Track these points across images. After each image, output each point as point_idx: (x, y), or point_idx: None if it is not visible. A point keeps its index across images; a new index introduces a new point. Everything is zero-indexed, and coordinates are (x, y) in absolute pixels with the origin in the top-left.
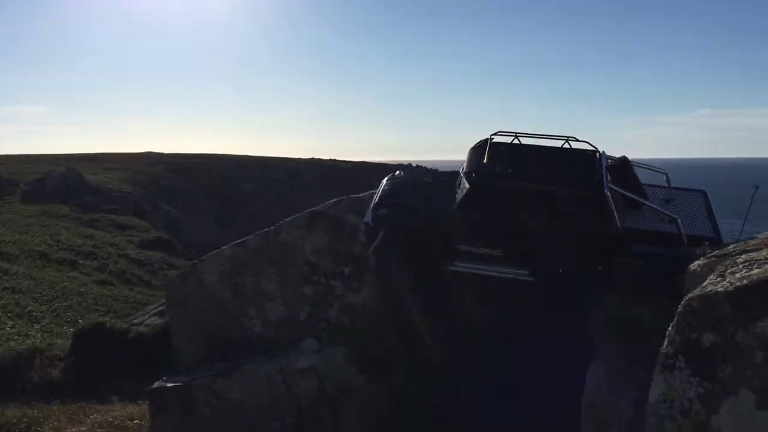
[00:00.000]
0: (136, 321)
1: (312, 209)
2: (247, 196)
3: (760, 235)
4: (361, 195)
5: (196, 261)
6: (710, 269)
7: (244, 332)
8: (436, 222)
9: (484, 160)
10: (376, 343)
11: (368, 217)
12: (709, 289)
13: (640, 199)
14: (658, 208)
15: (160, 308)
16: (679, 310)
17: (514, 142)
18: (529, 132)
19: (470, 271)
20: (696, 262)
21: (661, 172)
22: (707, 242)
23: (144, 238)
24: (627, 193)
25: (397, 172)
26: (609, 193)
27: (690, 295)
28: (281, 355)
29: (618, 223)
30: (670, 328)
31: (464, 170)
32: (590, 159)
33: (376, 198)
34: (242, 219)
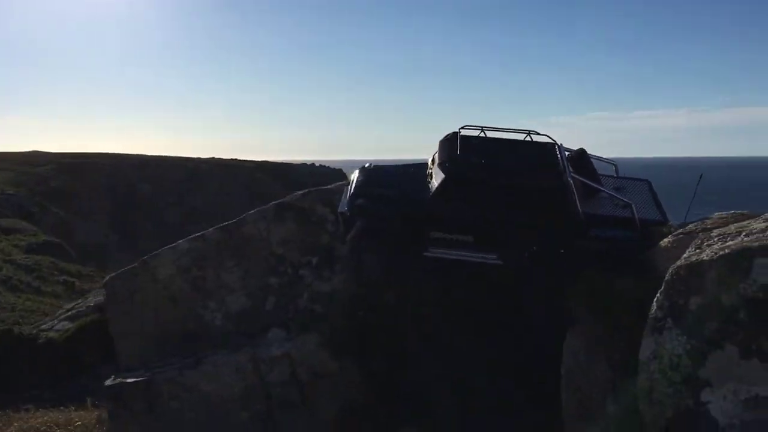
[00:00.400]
0: (44, 327)
1: (279, 201)
2: (145, 197)
3: (714, 215)
4: (330, 186)
5: (146, 257)
6: (680, 244)
7: (203, 325)
8: (412, 211)
9: (457, 152)
10: (349, 329)
11: (344, 207)
12: (693, 259)
13: (597, 186)
14: (614, 194)
15: (70, 313)
16: (666, 278)
17: (480, 135)
18: (494, 126)
19: (443, 256)
20: (665, 240)
21: (611, 164)
22: (657, 225)
23: (31, 242)
24: (586, 181)
25: (367, 164)
26: (571, 182)
27: (676, 265)
28: (250, 344)
29: (579, 209)
30: (658, 295)
31: (438, 161)
32: (551, 151)
33: (352, 188)
34: (139, 221)
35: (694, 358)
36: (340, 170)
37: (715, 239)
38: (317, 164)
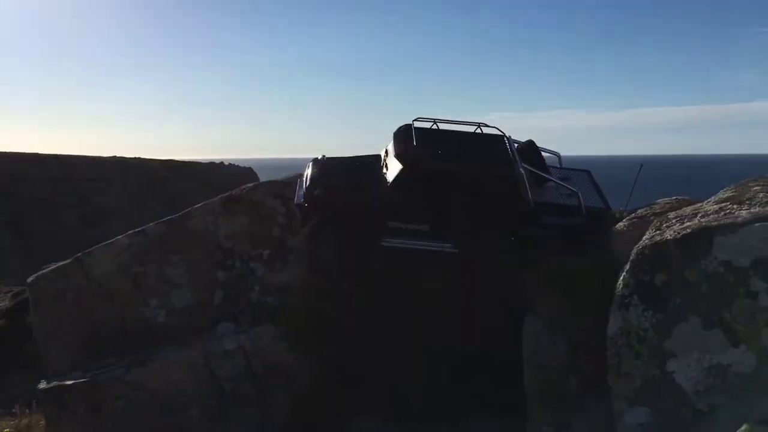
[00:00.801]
0: None
1: (227, 194)
2: (43, 196)
3: (659, 201)
4: (281, 179)
5: (79, 254)
6: (635, 227)
7: (144, 323)
8: (369, 201)
9: (413, 143)
10: (306, 319)
11: (300, 199)
12: (657, 238)
13: (546, 176)
14: (562, 183)
15: None
16: (632, 258)
17: (433, 127)
18: (445, 119)
19: (400, 246)
20: (620, 224)
21: (554, 155)
22: (600, 212)
23: None
24: (536, 171)
25: (320, 156)
26: (522, 171)
27: (640, 245)
28: (199, 339)
29: (530, 197)
30: (624, 274)
31: (394, 152)
32: (501, 142)
33: (307, 180)
34: (36, 221)
35: (660, 331)
36: (250, 169)
37: (673, 221)
38: (226, 163)
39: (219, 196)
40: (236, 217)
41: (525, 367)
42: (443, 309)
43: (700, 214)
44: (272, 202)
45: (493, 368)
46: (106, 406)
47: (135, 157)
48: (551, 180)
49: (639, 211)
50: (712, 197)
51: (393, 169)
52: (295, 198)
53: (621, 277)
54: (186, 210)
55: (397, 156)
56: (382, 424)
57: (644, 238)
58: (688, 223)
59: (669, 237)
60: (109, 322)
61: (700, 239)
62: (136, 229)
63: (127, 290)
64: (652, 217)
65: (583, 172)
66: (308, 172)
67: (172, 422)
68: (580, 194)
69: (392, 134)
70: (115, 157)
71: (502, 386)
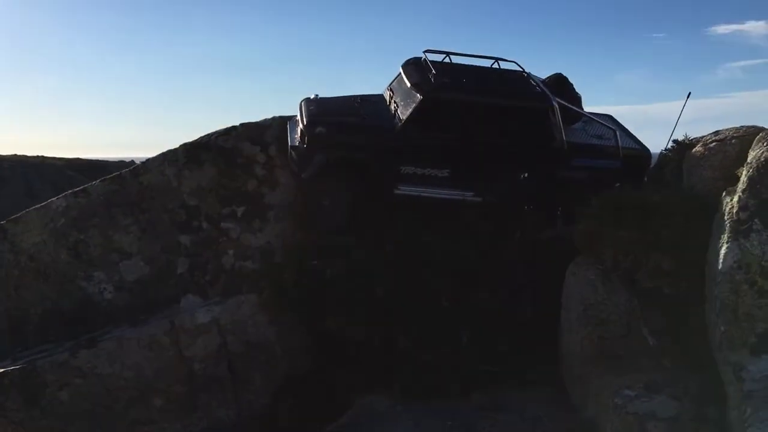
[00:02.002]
0: None
1: (193, 140)
2: None
3: (723, 130)
4: (258, 121)
5: (2, 222)
6: (719, 151)
7: (87, 302)
8: (381, 140)
9: (432, 73)
10: (293, 287)
11: (295, 141)
12: None
13: (581, 111)
14: (600, 120)
15: None
16: (749, 174)
17: (446, 60)
18: (459, 52)
19: (415, 194)
20: (697, 148)
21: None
22: (636, 154)
23: None
24: (570, 106)
25: (312, 96)
26: (556, 105)
27: (762, 158)
28: (161, 314)
29: (563, 136)
30: (739, 194)
31: (410, 83)
32: (524, 76)
33: (305, 118)
34: None
35: None
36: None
37: None
38: (137, 161)
39: (182, 144)
40: (203, 168)
41: (574, 324)
42: (463, 266)
43: None
44: (249, 149)
45: (524, 329)
46: (46, 398)
47: (37, 156)
48: (586, 116)
49: (709, 136)
50: None
51: (408, 102)
52: (289, 140)
53: (735, 199)
54: (140, 162)
55: (414, 86)
56: (391, 404)
57: (756, 152)
58: None
59: None
60: (42, 302)
61: None
62: (75, 189)
63: (65, 263)
64: (733, 141)
65: (605, 116)
66: (303, 110)
67: (129, 414)
68: (618, 133)
69: (400, 67)
70: (15, 155)
71: (533, 350)
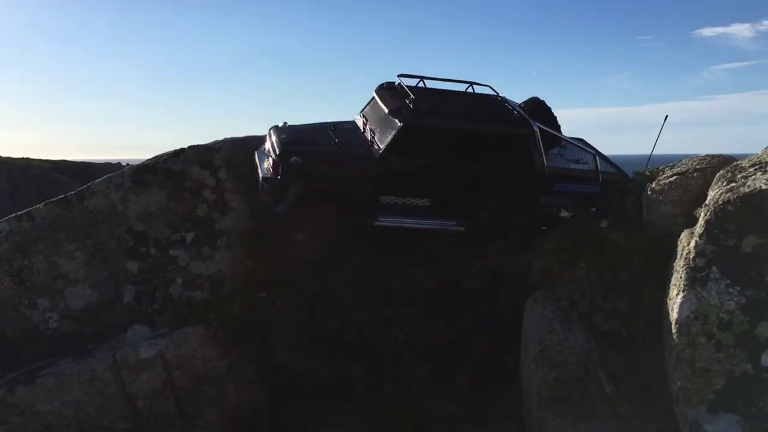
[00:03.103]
0: None
1: (140, 163)
2: None
3: (684, 160)
4: (207, 144)
5: None
6: (680, 186)
7: (30, 330)
8: (359, 170)
9: (410, 98)
10: (245, 318)
11: (266, 172)
12: (744, 190)
13: (561, 136)
14: (580, 145)
15: None
16: (706, 218)
17: (420, 85)
18: (432, 76)
19: (396, 225)
20: (656, 182)
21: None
22: (613, 179)
23: None
24: (550, 131)
25: (281, 124)
26: (537, 130)
27: (721, 200)
28: (105, 347)
29: (545, 162)
30: (696, 239)
31: (388, 110)
32: (501, 101)
33: (276, 147)
34: None
35: (751, 312)
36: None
37: (752, 170)
38: (123, 163)
39: (128, 166)
40: (151, 192)
41: (532, 365)
42: (421, 297)
43: None
44: (199, 173)
45: (485, 366)
46: None
47: (23, 158)
48: (564, 140)
49: (673, 168)
50: None
51: (386, 129)
52: (260, 171)
53: (692, 245)
54: (84, 185)
55: (393, 112)
56: None
57: (715, 192)
58: None
59: (764, 186)
60: None
61: None
62: (19, 213)
63: (8, 289)
64: (695, 174)
65: (578, 140)
66: (274, 139)
67: None
68: (597, 157)
69: (374, 92)
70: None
71: (494, 386)
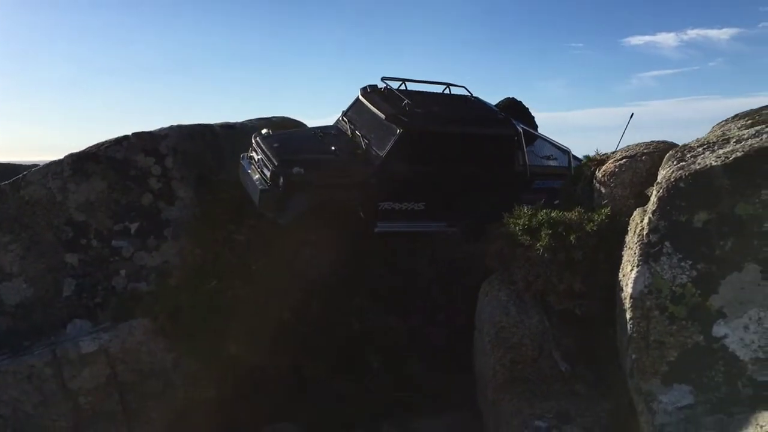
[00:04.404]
0: None
1: (80, 151)
2: None
3: (632, 145)
4: (152, 131)
5: None
6: (629, 168)
7: None
8: (362, 177)
9: (405, 103)
10: (194, 309)
11: (262, 184)
12: (695, 167)
13: (540, 135)
14: (554, 142)
15: None
16: (659, 195)
17: (403, 87)
18: (413, 78)
19: (395, 230)
20: (608, 164)
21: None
22: None
23: None
24: (530, 131)
25: (264, 131)
26: (521, 131)
27: (672, 176)
28: (44, 342)
29: (527, 160)
30: (648, 216)
31: (384, 115)
32: (482, 103)
33: (273, 157)
34: None
35: (703, 285)
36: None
37: (700, 149)
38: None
39: (68, 154)
40: (92, 180)
41: (485, 348)
42: (374, 285)
43: (733, 140)
44: (143, 161)
45: (440, 354)
46: None
47: None
48: (542, 139)
49: (618, 152)
50: (716, 129)
51: (383, 135)
52: (253, 184)
53: (645, 221)
54: (22, 173)
55: (391, 118)
56: None
57: (666, 171)
58: (729, 148)
59: (713, 163)
60: None
61: (758, 163)
62: None
63: None
64: (644, 157)
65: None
66: (266, 148)
67: None
68: (570, 153)
69: (359, 95)
70: None
71: (448, 373)
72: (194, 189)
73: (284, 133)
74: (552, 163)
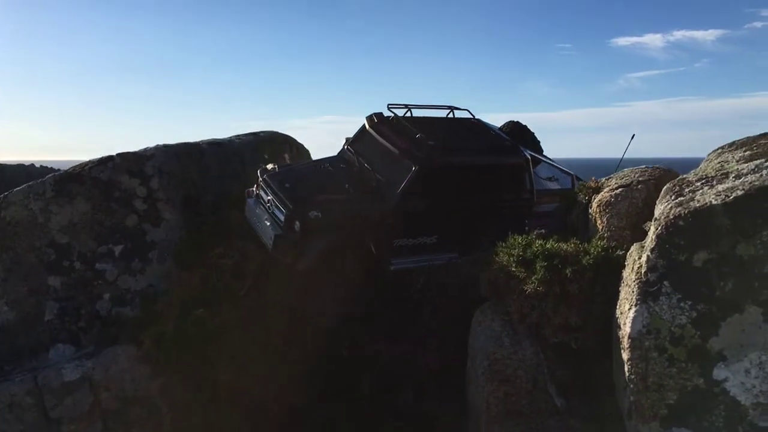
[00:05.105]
0: None
1: (63, 171)
2: None
3: (626, 170)
4: (137, 151)
5: None
6: (625, 198)
7: None
8: (379, 217)
9: (417, 135)
10: (181, 334)
11: (275, 229)
12: (694, 205)
13: (545, 159)
14: (558, 165)
15: None
16: (657, 232)
17: (409, 115)
18: (417, 104)
19: (409, 266)
20: (602, 193)
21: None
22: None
23: None
24: (536, 155)
25: (270, 166)
26: (529, 157)
27: (672, 214)
28: (25, 369)
29: (533, 186)
30: (647, 254)
31: (397, 149)
32: (489, 129)
33: (287, 200)
34: None
35: (703, 327)
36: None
37: (699, 183)
38: (37, 165)
39: (51, 175)
40: (75, 202)
41: (478, 379)
42: (365, 310)
43: (732, 174)
44: (128, 182)
45: (430, 380)
46: None
47: None
48: (547, 162)
49: (613, 179)
50: (713, 158)
51: (398, 171)
52: (265, 227)
53: (644, 259)
54: (4, 194)
55: (405, 153)
56: None
57: (664, 206)
58: (729, 185)
59: (714, 201)
60: None
61: (759, 203)
62: None
63: None
64: (639, 186)
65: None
66: (277, 189)
67: None
68: (574, 176)
69: (366, 126)
70: None
71: (440, 400)
72: (180, 210)
73: (291, 168)
74: (555, 185)
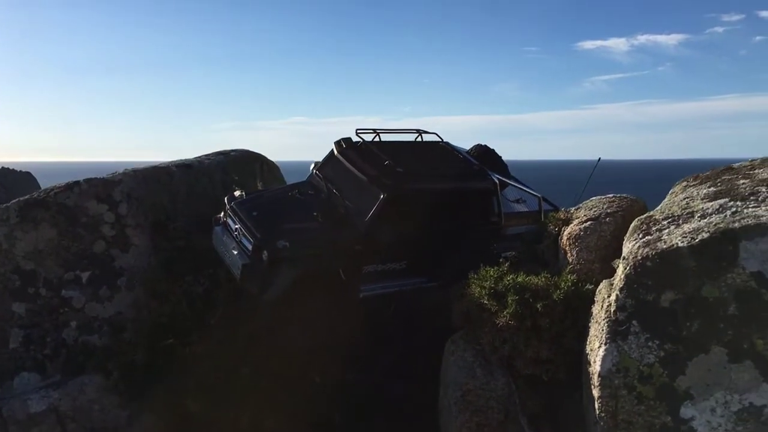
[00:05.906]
0: None
1: (27, 197)
2: None
3: (594, 199)
4: (105, 177)
5: None
6: (594, 231)
7: None
8: (348, 245)
9: (385, 162)
10: (150, 363)
11: (243, 258)
12: (661, 246)
13: (515, 183)
14: (526, 188)
15: None
16: (626, 272)
17: (378, 139)
18: (385, 128)
19: (378, 292)
20: (572, 227)
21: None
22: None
23: None
24: (505, 180)
25: (237, 193)
26: (497, 182)
27: (640, 255)
28: None
29: (501, 210)
30: (616, 293)
31: (365, 176)
32: (456, 151)
33: (254, 229)
34: None
35: (671, 366)
36: (29, 174)
37: (665, 222)
38: (10, 166)
39: (14, 201)
40: (40, 228)
41: (450, 409)
42: (335, 340)
43: (698, 214)
44: (95, 208)
45: (401, 409)
46: None
47: None
48: (514, 185)
49: (582, 211)
50: (678, 192)
51: (367, 199)
52: (233, 257)
53: (613, 298)
54: None
55: (373, 181)
56: None
57: (632, 245)
58: (694, 225)
59: (680, 243)
60: None
61: (724, 245)
62: None
63: None
64: (608, 219)
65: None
66: (244, 217)
67: None
68: (541, 198)
69: (335, 152)
70: None
71: (412, 429)
72: (150, 236)
73: (259, 195)
74: (523, 207)
